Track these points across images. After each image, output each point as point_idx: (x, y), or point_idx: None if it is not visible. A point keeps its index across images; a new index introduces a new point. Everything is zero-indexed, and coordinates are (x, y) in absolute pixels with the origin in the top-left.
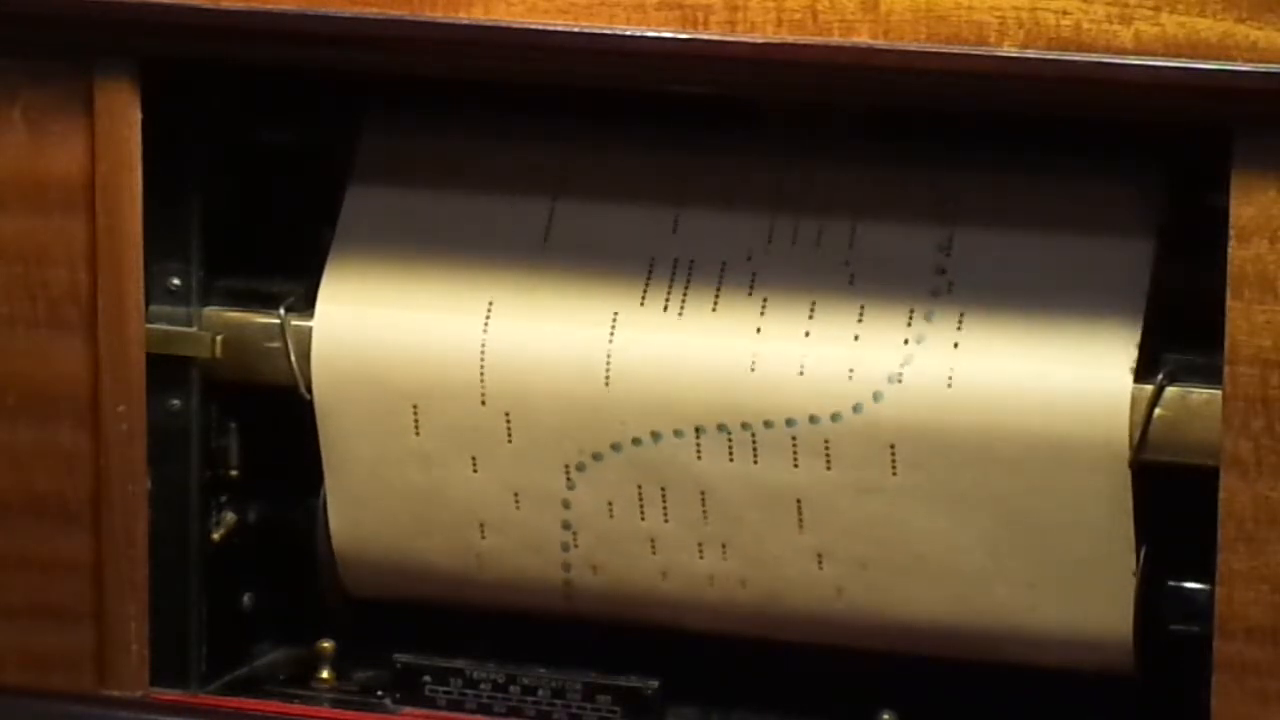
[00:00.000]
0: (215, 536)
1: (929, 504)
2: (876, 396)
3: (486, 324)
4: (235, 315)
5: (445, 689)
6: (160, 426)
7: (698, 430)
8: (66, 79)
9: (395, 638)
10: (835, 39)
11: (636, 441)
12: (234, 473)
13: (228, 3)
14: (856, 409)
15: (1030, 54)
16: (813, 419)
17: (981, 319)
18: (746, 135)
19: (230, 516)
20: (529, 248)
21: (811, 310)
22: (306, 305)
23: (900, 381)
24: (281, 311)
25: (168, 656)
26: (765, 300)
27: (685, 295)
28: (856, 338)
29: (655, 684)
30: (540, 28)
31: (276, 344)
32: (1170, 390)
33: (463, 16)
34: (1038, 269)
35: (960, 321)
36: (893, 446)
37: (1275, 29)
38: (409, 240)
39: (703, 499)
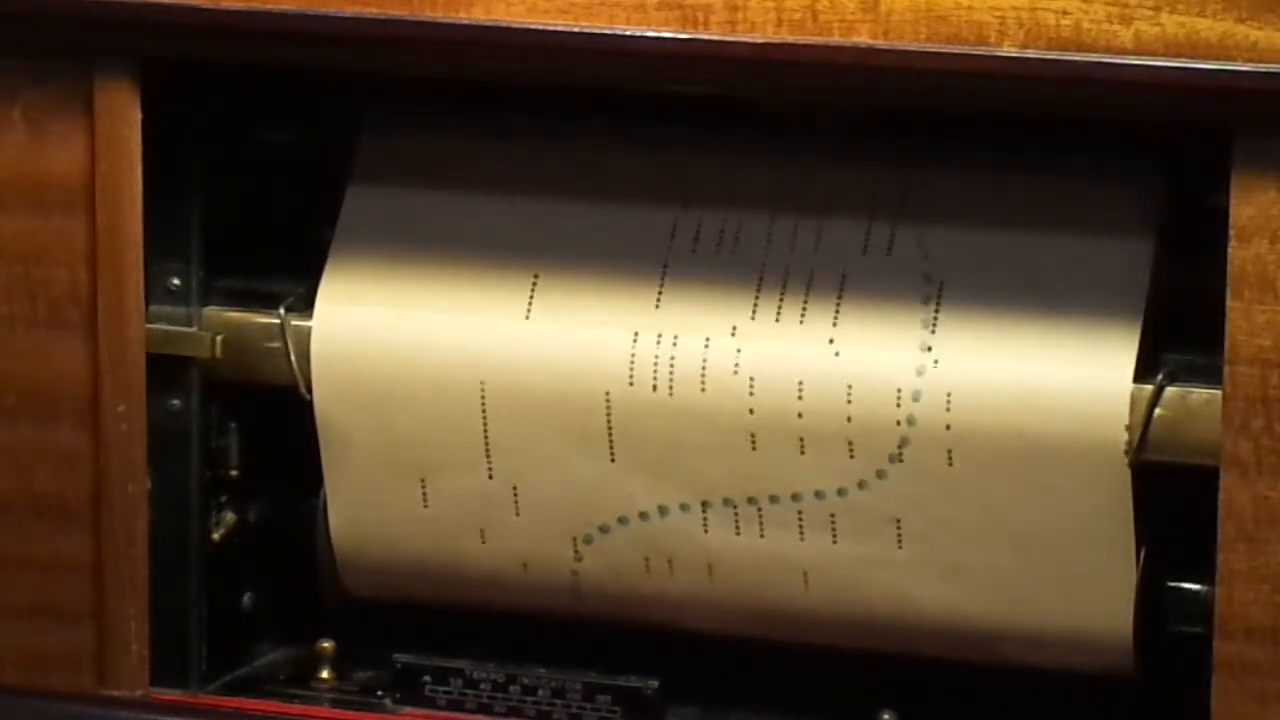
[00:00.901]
0: (215, 536)
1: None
2: (880, 474)
3: (484, 401)
4: (235, 315)
5: (445, 689)
6: (160, 426)
7: (704, 505)
8: (66, 79)
9: (395, 638)
10: (835, 39)
11: (644, 516)
12: (234, 473)
13: (228, 3)
14: (862, 485)
15: (1030, 54)
16: (819, 494)
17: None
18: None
19: (230, 516)
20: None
21: (800, 390)
22: (306, 305)
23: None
24: (281, 311)
25: (168, 656)
26: (753, 380)
27: (672, 371)
28: (849, 419)
29: (655, 684)
30: (540, 28)
31: (276, 344)
32: (1170, 390)
33: (463, 16)
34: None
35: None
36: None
37: (1275, 29)
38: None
39: (710, 569)
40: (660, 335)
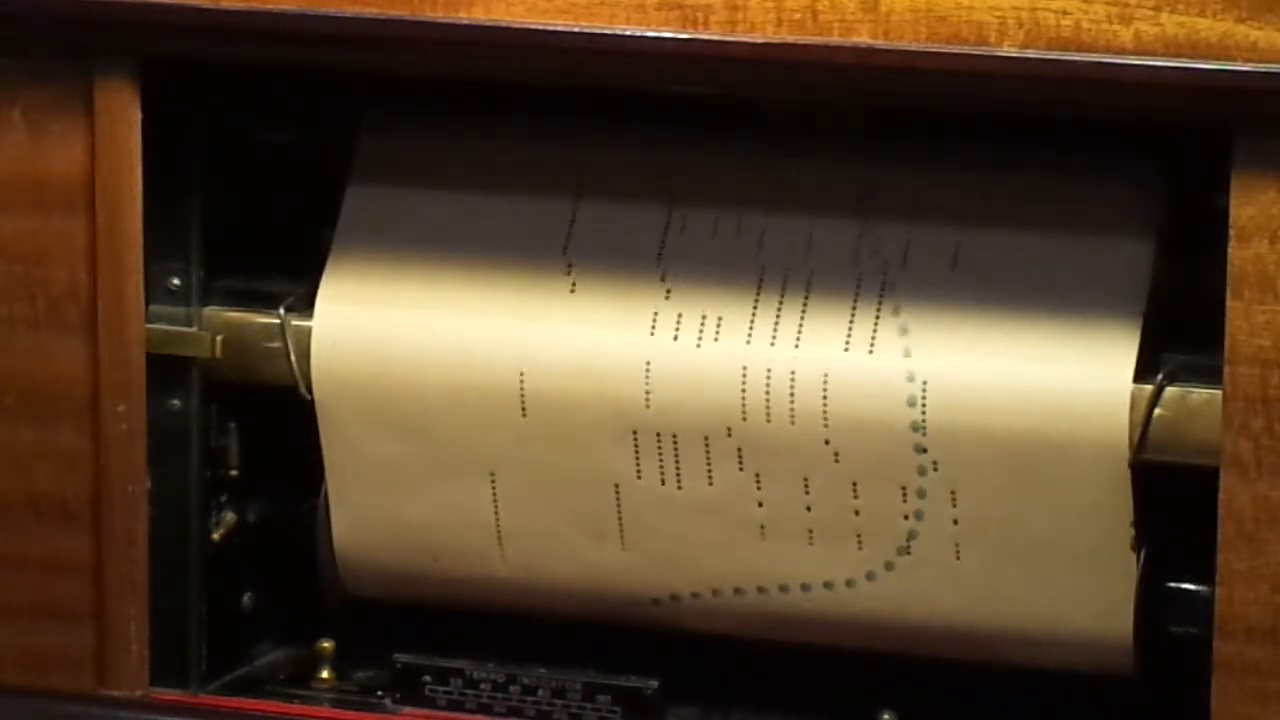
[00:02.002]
0: (215, 536)
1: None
2: (889, 566)
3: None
4: (235, 315)
5: (445, 689)
6: (160, 426)
7: (714, 592)
8: (66, 79)
9: (395, 638)
10: (835, 39)
11: (655, 602)
12: (234, 473)
13: (228, 3)
14: (870, 576)
15: (1030, 54)
16: (828, 585)
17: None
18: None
19: (230, 516)
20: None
21: (807, 486)
22: (306, 305)
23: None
24: (281, 311)
25: (168, 656)
26: (759, 475)
27: (678, 467)
28: (857, 512)
29: (655, 684)
30: (540, 28)
31: (276, 344)
32: (1170, 390)
33: (463, 16)
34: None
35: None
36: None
37: (1275, 29)
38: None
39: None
40: (659, 434)
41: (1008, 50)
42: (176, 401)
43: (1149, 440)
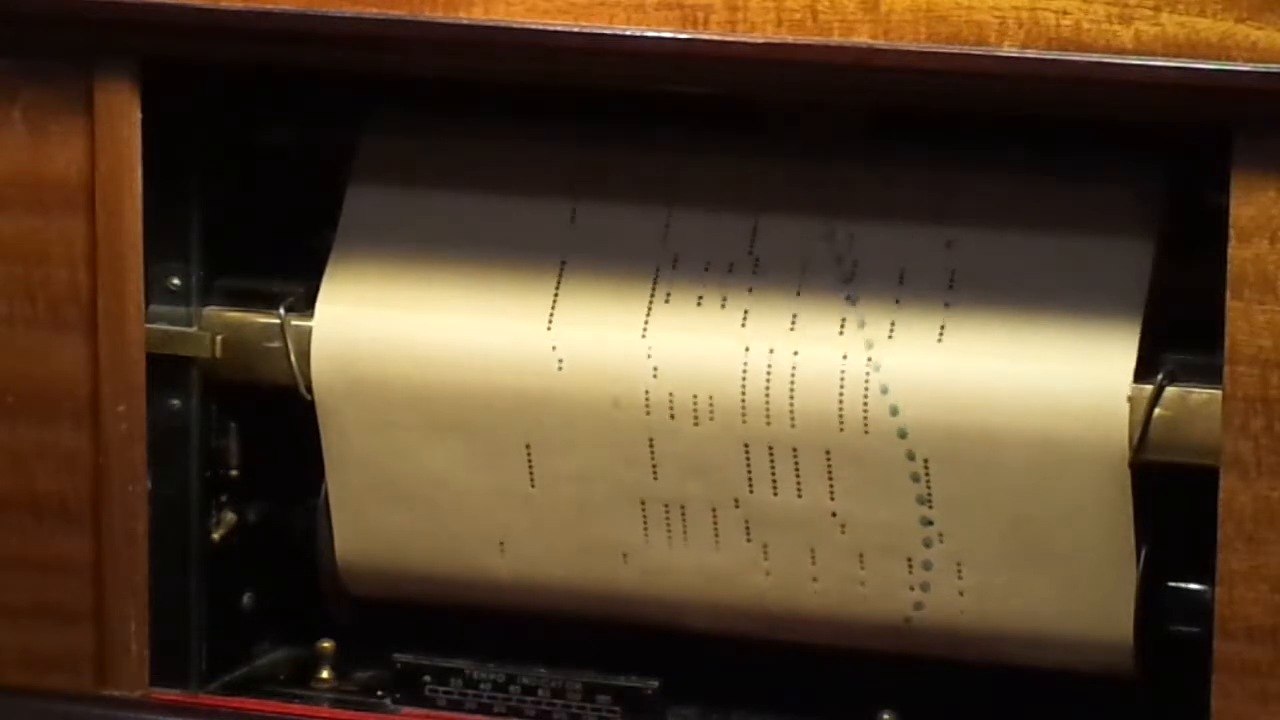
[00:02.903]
0: (215, 536)
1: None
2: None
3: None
4: (235, 315)
5: (445, 689)
6: (160, 426)
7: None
8: (66, 79)
9: (395, 638)
10: (835, 39)
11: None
12: (234, 473)
13: (228, 3)
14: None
15: (1030, 54)
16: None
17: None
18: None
19: (230, 516)
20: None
21: (813, 557)
22: (306, 305)
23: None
24: (281, 311)
25: (168, 656)
26: (767, 541)
27: (685, 527)
28: (863, 583)
29: (655, 684)
30: (540, 28)
31: (276, 344)
32: (1170, 390)
33: (463, 16)
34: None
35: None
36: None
37: (1275, 29)
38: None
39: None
40: (668, 505)
41: (1008, 50)
42: (176, 401)
43: (1149, 440)
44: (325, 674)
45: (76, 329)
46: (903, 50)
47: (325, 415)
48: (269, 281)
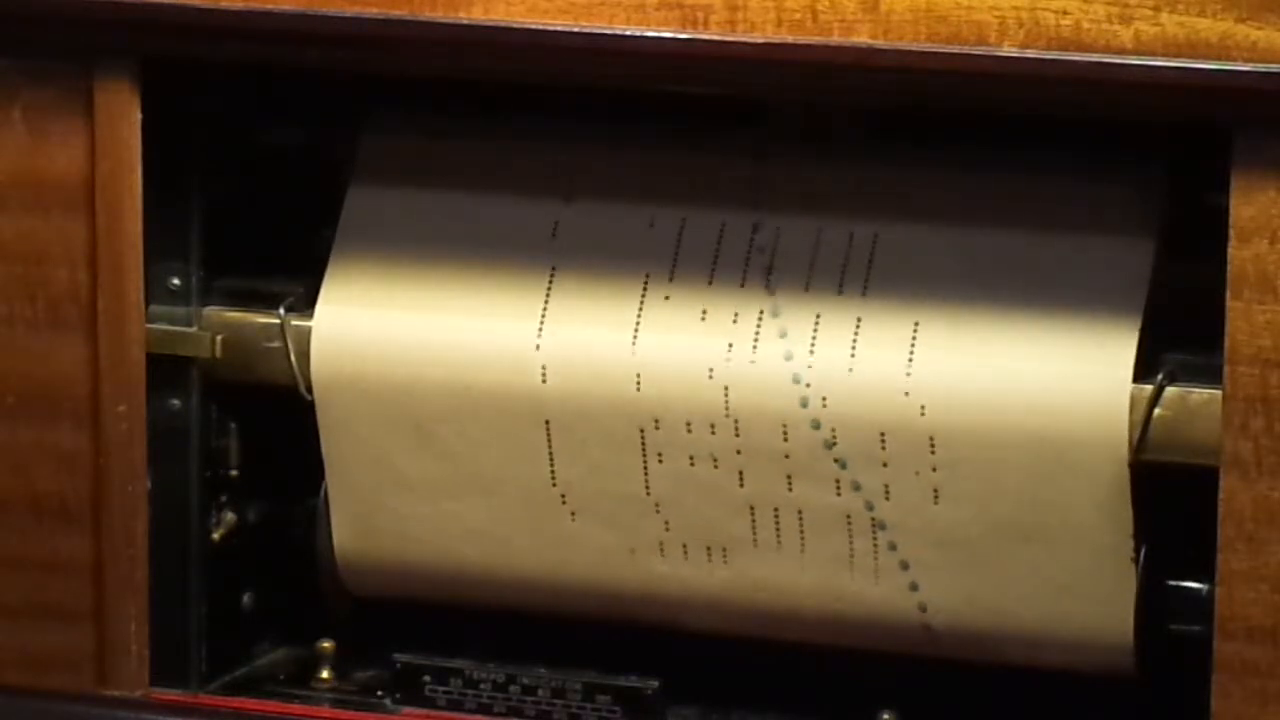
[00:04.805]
0: (215, 536)
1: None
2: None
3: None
4: (235, 315)
5: (445, 689)
6: (160, 426)
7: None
8: (66, 79)
9: (395, 638)
10: (835, 39)
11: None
12: (234, 473)
13: (227, 3)
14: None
15: (1030, 54)
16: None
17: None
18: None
19: (230, 516)
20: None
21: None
22: (306, 305)
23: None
24: (281, 311)
25: (168, 656)
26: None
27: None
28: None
29: (655, 684)
30: (540, 28)
31: (276, 344)
32: (1170, 390)
33: (463, 16)
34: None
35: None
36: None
37: (1275, 29)
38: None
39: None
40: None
41: (1008, 50)
42: (176, 401)
43: (1149, 440)
44: (325, 674)
45: (76, 329)
46: (903, 50)
47: (325, 415)
48: (269, 281)
